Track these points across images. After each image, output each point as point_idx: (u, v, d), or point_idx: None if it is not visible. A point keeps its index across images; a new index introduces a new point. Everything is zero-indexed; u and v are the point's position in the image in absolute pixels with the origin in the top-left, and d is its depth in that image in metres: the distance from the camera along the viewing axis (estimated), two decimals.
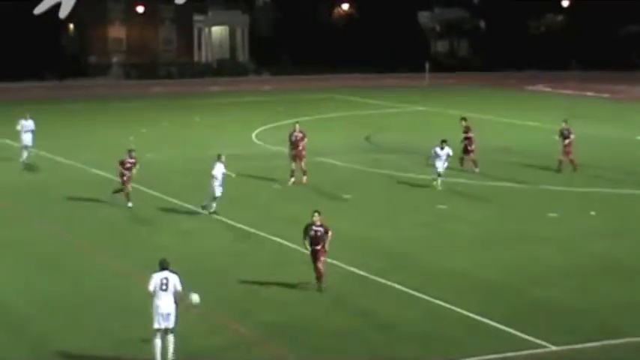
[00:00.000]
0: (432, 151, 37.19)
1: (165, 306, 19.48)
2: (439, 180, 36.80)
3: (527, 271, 26.67)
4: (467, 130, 42.17)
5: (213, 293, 23.32)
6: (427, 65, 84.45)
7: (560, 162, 40.67)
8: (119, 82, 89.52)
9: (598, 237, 30.49)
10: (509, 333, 21.68)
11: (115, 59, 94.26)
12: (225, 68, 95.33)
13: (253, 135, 52.97)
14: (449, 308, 23.42)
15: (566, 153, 40.75)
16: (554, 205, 34.73)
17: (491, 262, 27.46)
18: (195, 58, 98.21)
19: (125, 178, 34.54)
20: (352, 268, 26.72)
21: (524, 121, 59.31)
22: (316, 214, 24.93)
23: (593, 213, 33.42)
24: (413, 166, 42.47)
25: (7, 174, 41.68)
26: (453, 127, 56.53)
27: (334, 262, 27.21)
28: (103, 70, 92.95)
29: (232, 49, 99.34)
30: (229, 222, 32.18)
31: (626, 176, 40.96)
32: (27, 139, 43.01)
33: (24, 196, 37.01)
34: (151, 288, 19.69)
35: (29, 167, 42.37)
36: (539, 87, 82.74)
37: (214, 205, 32.96)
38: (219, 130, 55.37)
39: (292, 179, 37.91)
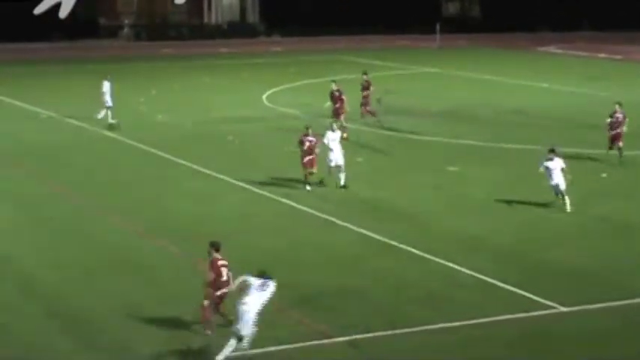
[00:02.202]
0: (542, 167, 29.48)
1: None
2: (566, 200, 29.00)
3: (538, 234, 26.70)
4: (367, 85, 43.35)
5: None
6: (438, 27, 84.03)
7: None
8: (129, 43, 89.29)
9: (609, 199, 30.48)
10: (520, 294, 21.76)
11: (125, 21, 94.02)
12: (236, 30, 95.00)
13: (264, 97, 52.90)
14: (459, 270, 23.49)
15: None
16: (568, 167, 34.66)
17: (502, 225, 27.48)
18: (205, 20, 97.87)
19: None
20: (364, 231, 26.77)
21: (537, 82, 59.12)
22: (309, 129, 30.56)
23: (604, 175, 33.40)
24: (424, 128, 42.48)
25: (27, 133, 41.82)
26: (466, 90, 56.74)
27: (346, 224, 27.35)
28: (113, 31, 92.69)
29: (242, 10, 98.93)
30: (240, 184, 32.20)
31: (634, 139, 40.79)
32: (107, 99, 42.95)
33: (37, 158, 37.11)
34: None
35: (111, 127, 42.28)
36: (551, 48, 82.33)
37: (342, 177, 31.36)
38: (229, 91, 55.35)
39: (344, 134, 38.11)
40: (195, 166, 34.79)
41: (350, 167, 32.05)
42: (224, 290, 19.18)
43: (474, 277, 23.05)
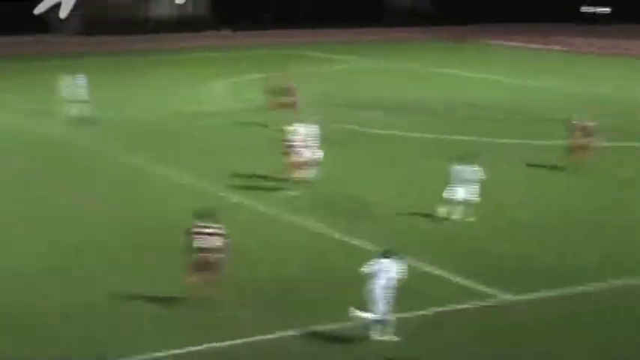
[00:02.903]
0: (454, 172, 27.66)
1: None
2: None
3: (487, 224, 26.92)
4: (284, 76, 43.93)
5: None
6: (387, 20, 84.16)
7: None
8: (75, 38, 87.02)
9: (559, 189, 30.82)
10: (467, 285, 21.99)
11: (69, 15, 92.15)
12: (186, 23, 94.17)
13: (216, 90, 52.74)
14: (410, 262, 23.64)
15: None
16: (509, 157, 34.98)
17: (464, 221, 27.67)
18: (153, 13, 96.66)
19: None
20: (320, 224, 26.82)
21: (487, 75, 59.55)
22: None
23: (556, 166, 33.69)
24: (376, 121, 42.63)
25: None
26: (417, 83, 56.98)
27: (299, 220, 27.35)
28: (57, 27, 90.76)
29: (193, 3, 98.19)
30: (200, 181, 32.07)
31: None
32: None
33: None
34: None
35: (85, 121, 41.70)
36: (501, 41, 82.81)
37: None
38: (180, 87, 54.91)
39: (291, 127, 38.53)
40: (149, 162, 34.64)
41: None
42: (201, 255, 20.16)
43: (423, 268, 23.22)
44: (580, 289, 21.80)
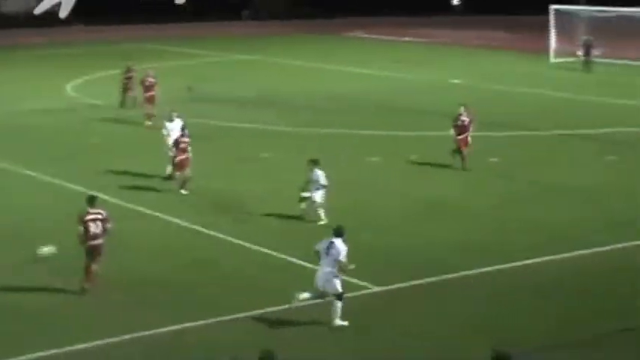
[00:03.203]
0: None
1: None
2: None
3: (352, 216, 27.11)
4: (129, 70, 44.57)
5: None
6: (245, 13, 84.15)
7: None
8: None
9: (420, 179, 31.30)
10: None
11: None
12: (35, 18, 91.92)
13: (68, 87, 51.76)
14: (274, 255, 23.70)
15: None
16: (374, 149, 35.40)
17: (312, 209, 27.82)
18: (2, 8, 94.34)
19: None
20: (185, 222, 26.66)
21: (346, 67, 60.06)
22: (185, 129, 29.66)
23: (413, 157, 34.22)
24: (237, 115, 42.58)
25: None
26: (277, 76, 57.11)
27: (165, 217, 27.13)
28: None
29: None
30: (47, 178, 31.49)
31: (442, 118, 42.05)
32: None
33: None
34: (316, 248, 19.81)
35: None
36: (359, 33, 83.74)
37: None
38: (30, 83, 53.66)
39: (149, 123, 38.97)
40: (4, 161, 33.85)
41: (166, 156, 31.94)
42: (92, 243, 20.75)
43: (285, 260, 23.30)
44: (445, 277, 22.20)
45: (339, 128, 39.39)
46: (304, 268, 22.72)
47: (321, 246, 19.74)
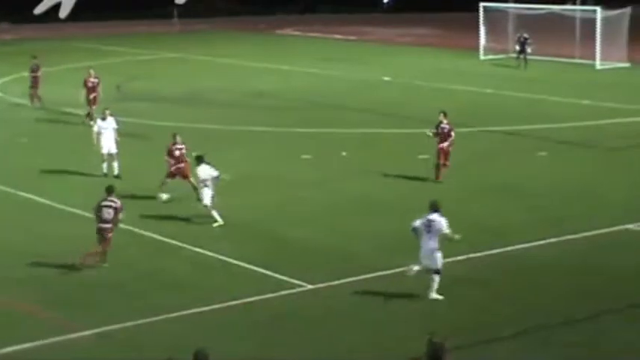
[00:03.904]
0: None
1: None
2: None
3: (283, 214, 27.09)
4: (36, 68, 44.48)
5: None
6: (175, 11, 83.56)
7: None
8: None
9: (350, 176, 31.31)
10: (267, 275, 22.02)
11: None
12: None
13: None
14: (207, 255, 23.54)
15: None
16: (308, 147, 35.35)
17: (245, 205, 27.68)
18: None
19: None
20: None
21: (277, 65, 59.95)
22: (177, 136, 29.12)
23: (344, 154, 34.26)
24: (165, 113, 42.27)
25: None
26: (207, 74, 56.80)
27: (87, 214, 26.78)
28: None
29: None
30: None
31: (374, 116, 42.24)
32: None
33: None
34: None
35: None
36: (289, 31, 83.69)
37: (115, 166, 31.00)
38: None
39: (92, 122, 37.68)
40: None
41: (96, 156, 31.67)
42: (100, 225, 22.76)
43: (220, 259, 23.15)
44: (376, 274, 22.21)
45: (269, 126, 39.28)
46: (238, 266, 22.63)
47: (418, 224, 20.39)
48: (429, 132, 30.28)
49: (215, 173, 26.16)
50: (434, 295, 20.35)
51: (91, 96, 39.92)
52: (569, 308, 20.05)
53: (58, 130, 39.22)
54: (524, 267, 22.54)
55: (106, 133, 31.42)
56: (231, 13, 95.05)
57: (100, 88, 40.21)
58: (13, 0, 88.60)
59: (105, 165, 31.12)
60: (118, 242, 24.59)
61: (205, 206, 26.01)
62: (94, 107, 39.33)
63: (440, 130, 30.08)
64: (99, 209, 22.97)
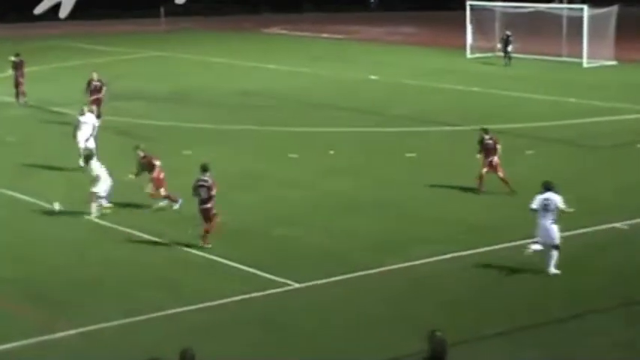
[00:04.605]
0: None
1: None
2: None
3: (269, 212, 26.99)
4: (19, 65, 44.91)
5: None
6: (162, 10, 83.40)
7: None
8: None
9: (337, 175, 31.22)
10: (254, 274, 21.92)
11: None
12: None
13: None
14: (192, 253, 23.43)
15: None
16: (294, 146, 35.26)
17: (232, 205, 27.54)
18: None
19: None
20: (96, 219, 26.22)
21: (263, 64, 59.83)
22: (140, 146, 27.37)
23: (331, 152, 34.19)
24: (154, 112, 42.16)
25: None
26: (194, 73, 56.67)
27: (77, 213, 26.68)
28: None
29: None
30: None
31: (361, 115, 42.17)
32: None
33: None
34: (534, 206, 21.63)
35: None
36: (276, 30, 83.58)
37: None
38: None
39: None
40: None
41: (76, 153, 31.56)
42: (201, 207, 23.69)
43: (205, 258, 23.04)
44: (361, 273, 22.13)
45: (255, 125, 39.18)
46: (224, 265, 22.54)
47: (537, 204, 21.58)
48: (478, 154, 29.23)
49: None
50: (553, 270, 21.50)
51: (94, 97, 39.40)
52: (557, 307, 20.00)
53: (45, 128, 39.03)
54: (512, 265, 22.49)
55: (84, 127, 32.04)
56: (217, 12, 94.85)
57: (104, 91, 39.69)
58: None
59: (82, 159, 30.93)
60: (102, 241, 24.53)
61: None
62: (99, 108, 38.89)
63: (485, 147, 28.91)
64: (195, 190, 23.68)
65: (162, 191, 26.97)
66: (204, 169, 23.92)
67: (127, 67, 59.57)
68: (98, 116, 38.31)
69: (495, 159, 28.67)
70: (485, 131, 29.28)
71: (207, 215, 23.63)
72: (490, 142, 28.83)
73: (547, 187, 21.77)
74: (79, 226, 25.87)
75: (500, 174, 28.58)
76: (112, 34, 79.25)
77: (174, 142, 35.88)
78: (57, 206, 26.81)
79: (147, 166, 27.13)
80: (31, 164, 32.36)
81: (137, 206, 27.25)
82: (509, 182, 28.43)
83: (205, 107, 44.42)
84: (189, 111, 43.14)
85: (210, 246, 23.49)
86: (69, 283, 21.58)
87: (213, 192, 23.63)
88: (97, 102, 39.32)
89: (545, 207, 21.51)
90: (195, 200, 23.84)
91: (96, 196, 26.28)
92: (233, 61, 61.32)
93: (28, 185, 29.69)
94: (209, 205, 23.59)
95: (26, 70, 45.41)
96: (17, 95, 44.43)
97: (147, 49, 68.72)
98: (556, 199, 21.62)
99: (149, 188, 26.94)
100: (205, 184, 23.62)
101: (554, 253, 21.56)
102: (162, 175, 27.17)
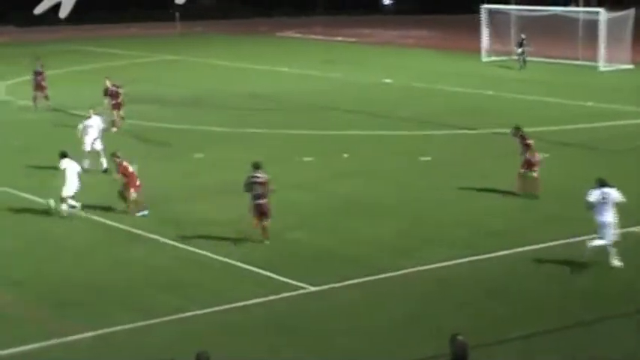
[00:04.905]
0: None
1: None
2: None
3: (283, 216, 26.82)
4: (40, 70, 44.81)
5: None
6: (177, 14, 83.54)
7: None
8: None
9: (352, 178, 31.09)
10: (268, 277, 21.79)
11: None
12: None
13: (2, 89, 50.93)
14: (208, 256, 23.32)
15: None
16: (308, 149, 35.16)
17: (245, 208, 27.42)
18: None
19: None
20: (108, 221, 26.15)
21: (277, 67, 59.78)
22: (117, 153, 27.23)
23: (346, 155, 34.05)
24: (168, 115, 42.15)
25: None
26: (207, 76, 56.65)
27: (92, 216, 26.64)
28: None
29: None
30: None
31: (375, 118, 42.03)
32: None
33: None
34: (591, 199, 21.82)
35: None
36: (289, 33, 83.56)
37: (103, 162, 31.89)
38: None
39: (114, 129, 37.80)
40: None
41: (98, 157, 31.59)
42: (257, 202, 24.05)
43: (220, 261, 22.93)
44: (378, 277, 21.96)
45: (270, 128, 39.09)
46: (239, 268, 22.43)
47: (593, 199, 21.76)
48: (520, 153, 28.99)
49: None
50: (616, 263, 21.84)
51: (114, 102, 39.36)
52: (576, 311, 19.80)
53: (61, 131, 38.85)
54: (531, 268, 22.31)
55: (91, 131, 32.41)
56: (231, 16, 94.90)
57: (121, 94, 39.56)
58: (13, 2, 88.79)
59: (87, 161, 31.45)
60: (115, 243, 24.45)
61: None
62: (119, 112, 39.16)
63: (525, 142, 28.83)
64: (249, 187, 24.02)
65: (135, 195, 26.79)
66: (257, 166, 24.25)
67: (141, 70, 59.59)
68: (122, 118, 38.62)
69: (530, 156, 28.53)
70: (518, 129, 29.20)
71: (262, 210, 24.02)
72: (523, 140, 28.76)
73: (602, 183, 21.93)
74: (92, 229, 25.81)
75: (534, 174, 28.42)
76: (127, 38, 79.41)
77: (187, 145, 35.83)
78: (52, 203, 26.88)
79: (123, 172, 27.04)
80: (46, 166, 32.26)
81: (155, 211, 27.15)
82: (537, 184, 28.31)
83: (218, 110, 44.37)
84: (202, 114, 43.10)
85: (268, 242, 23.96)
86: (82, 285, 21.49)
87: (271, 187, 24.24)
88: (117, 106, 39.25)
89: (604, 200, 21.67)
90: (248, 196, 24.13)
91: (61, 198, 26.61)
92: (246, 65, 61.27)
93: (42, 187, 29.57)
94: (264, 201, 23.98)
95: (46, 73, 45.46)
96: (35, 99, 44.30)
97: (161, 52, 68.76)
98: (615, 193, 21.83)
99: (132, 195, 26.84)
100: (259, 180, 24.01)
101: (613, 247, 21.86)
102: (137, 182, 27.01)
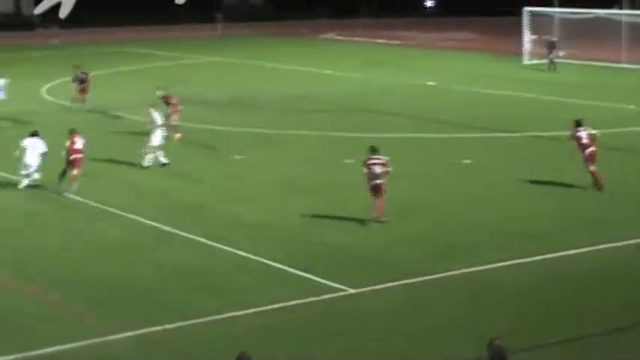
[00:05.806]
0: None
1: None
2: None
3: (323, 217, 26.91)
4: (83, 77, 45.57)
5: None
6: (218, 15, 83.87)
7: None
8: None
9: (393, 181, 31.03)
10: (308, 278, 21.82)
11: None
12: (11, 22, 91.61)
13: (43, 90, 51.37)
14: (245, 257, 23.40)
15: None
16: (350, 151, 35.16)
17: (285, 209, 27.57)
18: None
19: None
20: (150, 222, 26.33)
21: (319, 69, 59.86)
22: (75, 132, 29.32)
23: (389, 158, 33.95)
24: (211, 117, 42.33)
25: None
26: (250, 78, 56.86)
27: (132, 216, 26.82)
28: None
29: (16, 1, 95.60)
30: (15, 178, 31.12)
31: (417, 120, 41.98)
32: None
33: None
34: None
35: None
36: (332, 35, 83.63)
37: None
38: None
39: (177, 135, 37.07)
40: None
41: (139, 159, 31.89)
42: (374, 182, 25.81)
43: (260, 262, 22.99)
44: (420, 279, 21.93)
45: (313, 130, 39.16)
46: (278, 269, 22.49)
47: None
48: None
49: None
50: None
51: (173, 110, 38.01)
52: (613, 316, 19.68)
53: (108, 132, 39.09)
54: (569, 273, 22.20)
55: (157, 128, 33.00)
56: (273, 18, 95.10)
57: (174, 101, 38.42)
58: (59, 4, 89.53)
59: (152, 156, 32.58)
60: (157, 244, 24.59)
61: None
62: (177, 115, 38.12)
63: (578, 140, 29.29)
64: (368, 167, 25.79)
65: (75, 171, 28.86)
66: (374, 150, 26.03)
67: (185, 72, 59.82)
68: (177, 130, 38.63)
69: (590, 151, 28.94)
70: (579, 124, 29.30)
71: (379, 190, 25.64)
72: (584, 134, 29.09)
73: None
74: (133, 229, 25.97)
75: (592, 167, 28.88)
76: (170, 40, 79.80)
77: (229, 147, 35.98)
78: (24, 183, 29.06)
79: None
80: (91, 167, 32.50)
81: (195, 212, 27.32)
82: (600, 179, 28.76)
83: (260, 112, 44.50)
84: (247, 116, 43.23)
85: (385, 219, 25.53)
86: (119, 285, 21.58)
87: (389, 168, 25.86)
88: (175, 111, 38.31)
89: None
90: (365, 179, 25.89)
91: (19, 173, 29.05)
92: (289, 67, 61.41)
93: (86, 188, 29.84)
94: (381, 181, 25.61)
95: (90, 77, 46.09)
96: (75, 100, 44.82)
97: (203, 54, 69.07)
98: None
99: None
100: (379, 161, 25.75)
101: None
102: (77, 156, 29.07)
